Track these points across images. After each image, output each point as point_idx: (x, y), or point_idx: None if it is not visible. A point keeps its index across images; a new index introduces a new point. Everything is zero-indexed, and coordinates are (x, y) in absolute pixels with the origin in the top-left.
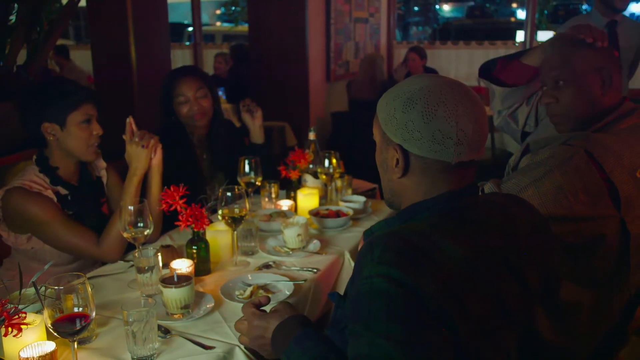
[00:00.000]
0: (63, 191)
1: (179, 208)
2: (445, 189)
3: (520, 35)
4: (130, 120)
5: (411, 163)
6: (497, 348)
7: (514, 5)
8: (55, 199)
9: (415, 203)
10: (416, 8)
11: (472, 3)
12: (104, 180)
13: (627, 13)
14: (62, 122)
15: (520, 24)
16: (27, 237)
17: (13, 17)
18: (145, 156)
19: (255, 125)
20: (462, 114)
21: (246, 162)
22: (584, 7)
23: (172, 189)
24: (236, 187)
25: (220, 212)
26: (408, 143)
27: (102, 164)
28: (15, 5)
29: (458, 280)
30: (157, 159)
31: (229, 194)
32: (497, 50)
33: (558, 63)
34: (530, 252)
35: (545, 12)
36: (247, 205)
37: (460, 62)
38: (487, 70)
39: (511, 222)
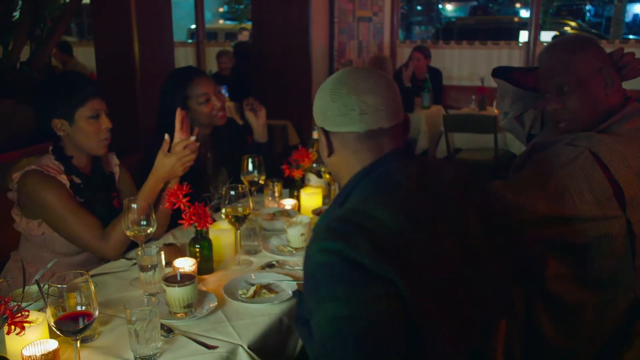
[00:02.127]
0: (77, 180)
1: (182, 206)
2: (368, 159)
3: (523, 35)
4: (181, 115)
5: (332, 141)
6: (454, 311)
7: (517, 5)
8: (68, 185)
9: (346, 184)
10: (419, 7)
11: (475, 2)
12: (116, 176)
13: (630, 14)
14: (70, 118)
15: (523, 24)
16: (38, 223)
17: (17, 14)
18: (177, 172)
19: (259, 124)
20: (362, 89)
21: (249, 160)
22: (588, 7)
23: (175, 187)
24: (240, 185)
25: (223, 210)
26: (324, 122)
27: (115, 160)
28: (19, 1)
29: (394, 241)
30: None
31: (232, 192)
32: (500, 50)
33: (559, 69)
34: (466, 206)
35: (550, 11)
36: (251, 204)
37: (463, 62)
38: (503, 73)
39: (439, 180)
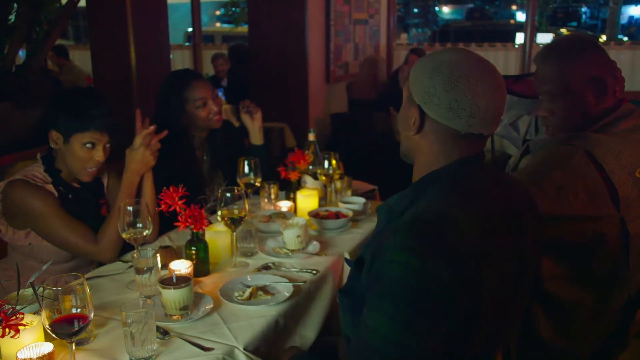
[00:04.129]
0: (64, 190)
1: (178, 209)
2: (455, 156)
3: (519, 38)
4: (138, 113)
5: (425, 124)
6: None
7: (513, 7)
8: (56, 194)
9: (427, 174)
10: (416, 10)
11: (471, 5)
12: (104, 182)
13: (625, 16)
14: (66, 137)
15: (519, 26)
16: (25, 233)
17: (12, 17)
18: (150, 160)
19: (255, 126)
20: (479, 91)
21: (245, 163)
22: (583, 9)
23: (171, 189)
24: (235, 188)
25: (219, 213)
26: (427, 106)
27: (103, 166)
28: (15, 5)
29: (474, 262)
30: (154, 160)
31: (228, 194)
32: (496, 52)
33: (551, 76)
34: (529, 226)
35: (546, 14)
36: (247, 206)
37: None
38: None
39: (512, 195)
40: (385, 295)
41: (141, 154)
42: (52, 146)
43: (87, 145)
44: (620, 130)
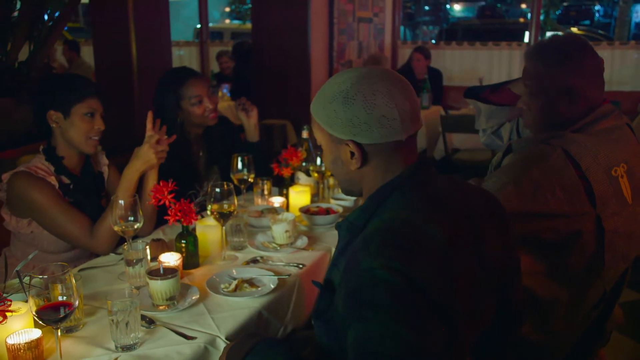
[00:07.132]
0: (66, 180)
1: (167, 203)
2: (402, 164)
3: (527, 37)
4: (150, 115)
5: (367, 152)
6: (476, 331)
7: (523, 5)
8: (57, 186)
9: (382, 186)
10: (427, 7)
11: (483, 3)
12: (105, 176)
13: (636, 15)
14: (66, 112)
15: (526, 25)
16: (27, 222)
17: (15, 14)
18: (151, 159)
19: (251, 124)
20: (397, 95)
21: (239, 159)
22: (597, 7)
23: (161, 184)
24: (225, 183)
25: (209, 207)
26: (359, 136)
27: (105, 160)
28: (18, 2)
29: (448, 264)
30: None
31: (218, 190)
32: (500, 51)
33: (531, 75)
34: (488, 230)
35: (558, 12)
36: (236, 201)
37: (464, 63)
38: (474, 93)
39: (470, 199)
40: (377, 302)
41: (144, 152)
42: (52, 126)
43: (88, 115)
44: (598, 130)
